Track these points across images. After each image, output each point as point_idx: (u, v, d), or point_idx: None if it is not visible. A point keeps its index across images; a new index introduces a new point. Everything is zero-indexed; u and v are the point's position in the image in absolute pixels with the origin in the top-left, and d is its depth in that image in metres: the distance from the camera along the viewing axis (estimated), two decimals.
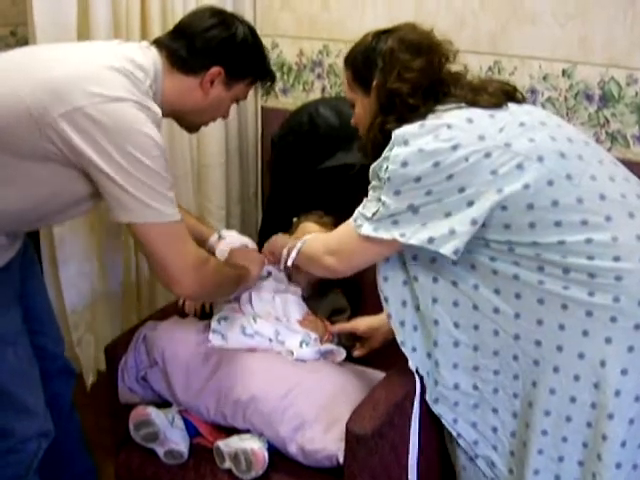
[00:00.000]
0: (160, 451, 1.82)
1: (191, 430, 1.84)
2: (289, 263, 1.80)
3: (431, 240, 1.51)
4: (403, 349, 1.70)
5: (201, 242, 2.06)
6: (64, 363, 2.03)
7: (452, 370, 1.67)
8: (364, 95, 1.66)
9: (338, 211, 2.16)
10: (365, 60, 1.65)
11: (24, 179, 1.53)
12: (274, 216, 2.33)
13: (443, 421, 1.72)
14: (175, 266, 1.59)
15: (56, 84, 1.48)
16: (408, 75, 1.57)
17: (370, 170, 1.60)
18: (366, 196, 1.62)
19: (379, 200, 1.56)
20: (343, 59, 1.73)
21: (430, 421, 1.76)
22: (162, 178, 1.53)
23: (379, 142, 1.59)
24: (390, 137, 1.54)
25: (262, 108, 2.62)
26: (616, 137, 2.07)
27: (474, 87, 1.61)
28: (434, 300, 1.64)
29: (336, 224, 2.09)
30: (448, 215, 1.50)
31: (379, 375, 1.88)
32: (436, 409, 1.72)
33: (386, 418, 1.64)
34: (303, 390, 1.76)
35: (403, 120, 1.56)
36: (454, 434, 1.72)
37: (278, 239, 1.98)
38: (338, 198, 2.22)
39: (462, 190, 1.49)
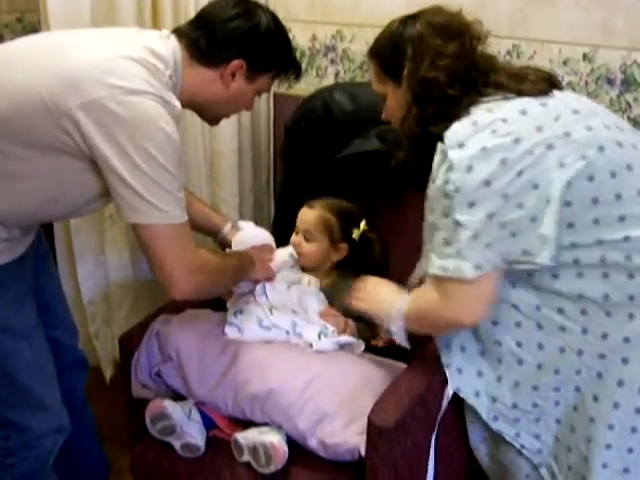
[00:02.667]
0: (177, 444, 1.78)
1: (208, 423, 1.81)
2: (401, 343, 1.67)
3: (525, 252, 1.40)
4: (447, 370, 1.64)
5: (214, 232, 2.03)
6: (77, 355, 2.00)
7: (513, 389, 1.60)
8: (395, 86, 1.58)
9: (355, 201, 2.14)
10: (393, 48, 1.56)
11: (39, 173, 1.49)
12: (288, 206, 2.28)
13: (505, 437, 1.64)
14: (174, 270, 1.55)
15: (73, 74, 1.44)
16: (442, 62, 1.48)
17: (429, 196, 1.48)
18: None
19: (456, 224, 1.41)
20: (367, 51, 1.65)
21: (454, 422, 1.74)
22: (173, 177, 1.49)
23: (416, 136, 1.52)
24: (427, 129, 1.47)
25: (274, 94, 2.57)
26: (638, 122, 2.02)
27: (514, 74, 1.53)
28: (494, 323, 1.57)
29: (345, 211, 2.10)
30: (534, 220, 1.39)
31: (399, 366, 1.84)
32: (495, 426, 1.64)
33: (409, 411, 1.61)
34: (323, 383, 1.72)
35: (444, 115, 1.47)
36: (517, 446, 1.64)
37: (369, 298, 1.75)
38: (355, 187, 2.19)
39: (536, 187, 1.38)
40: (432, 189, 1.48)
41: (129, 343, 1.90)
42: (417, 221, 2.08)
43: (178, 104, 1.53)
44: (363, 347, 1.92)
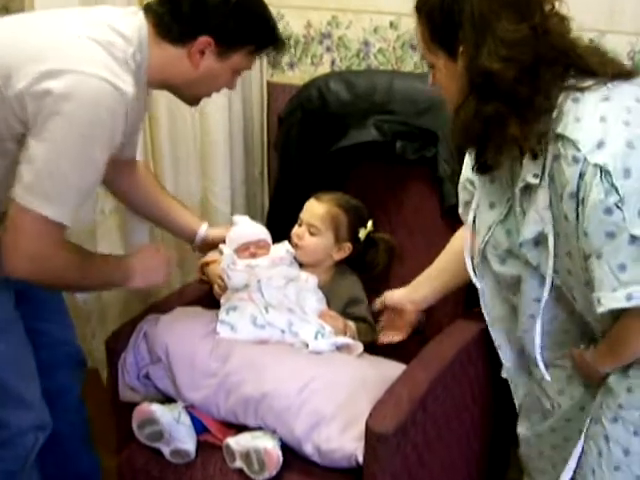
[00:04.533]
0: (166, 450, 1.70)
1: (198, 427, 1.73)
2: None
3: None
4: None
5: (189, 236, 1.97)
6: (72, 350, 1.92)
7: None
8: (448, 59, 1.34)
9: (352, 194, 2.06)
10: (445, 18, 1.30)
11: None
12: (283, 199, 2.20)
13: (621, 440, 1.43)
14: (19, 251, 1.44)
15: (26, 54, 1.41)
16: (508, 52, 1.24)
17: (567, 223, 1.30)
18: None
19: (632, 240, 1.22)
20: (414, 4, 1.38)
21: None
22: (88, 172, 1.44)
23: (474, 129, 1.31)
24: (494, 129, 1.29)
25: (268, 83, 2.48)
26: None
27: (596, 53, 1.34)
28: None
29: (354, 208, 2.01)
30: None
31: (399, 367, 1.76)
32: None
33: (409, 415, 1.53)
34: (319, 385, 1.64)
35: (521, 118, 1.26)
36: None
37: None
38: (352, 179, 2.11)
39: None
40: (573, 212, 1.27)
41: (116, 344, 1.81)
42: (417, 215, 2.03)
43: (131, 90, 1.45)
44: (362, 349, 1.84)
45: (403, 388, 1.58)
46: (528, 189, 1.39)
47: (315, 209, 1.99)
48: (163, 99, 2.19)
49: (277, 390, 1.63)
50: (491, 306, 1.65)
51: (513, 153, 1.34)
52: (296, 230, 1.99)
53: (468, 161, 1.56)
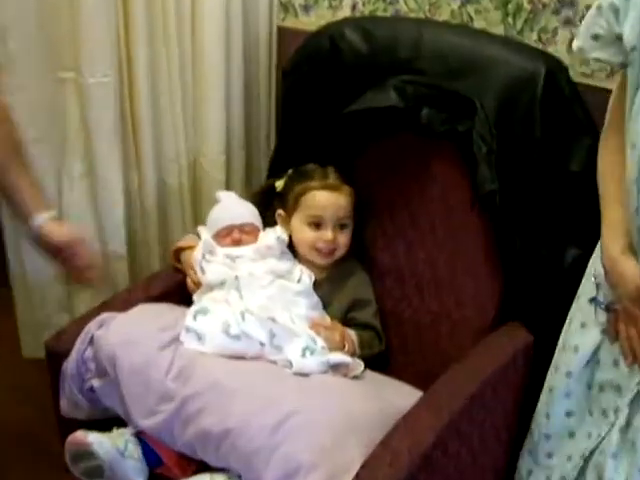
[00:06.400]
0: None
1: (152, 458, 1.40)
2: None
3: None
4: None
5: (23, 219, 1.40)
6: None
7: None
8: None
9: (362, 172, 1.68)
10: None
11: None
12: (281, 167, 1.81)
13: None
14: None
15: None
16: None
17: None
18: None
19: None
20: None
21: None
22: None
23: None
24: None
25: (278, 29, 2.09)
26: None
27: None
28: None
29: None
30: None
31: (411, 394, 1.42)
32: None
33: (407, 475, 1.17)
34: (299, 422, 1.27)
35: None
36: None
37: None
38: (364, 153, 1.72)
39: None
40: None
41: (57, 346, 1.47)
42: (442, 203, 1.64)
43: None
44: (362, 368, 1.48)
45: (403, 439, 1.21)
46: None
47: (336, 201, 1.64)
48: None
49: (244, 427, 1.28)
50: None
51: None
52: (328, 236, 1.63)
53: None
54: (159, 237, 1.98)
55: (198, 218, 2.00)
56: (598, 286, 1.31)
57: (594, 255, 1.35)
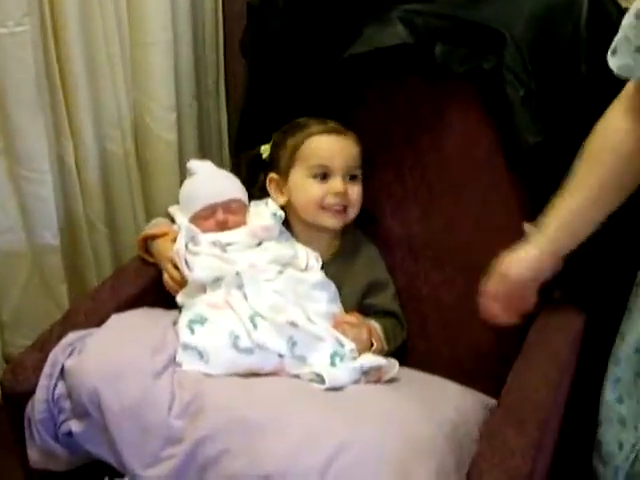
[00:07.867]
0: None
1: None
2: None
3: None
4: None
5: None
6: None
7: None
8: None
9: (365, 127, 1.39)
10: None
11: None
12: (254, 125, 1.50)
13: None
14: None
15: None
16: None
17: None
18: None
19: None
20: None
21: None
22: None
23: None
24: None
25: None
26: None
27: None
28: None
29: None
30: None
31: (474, 397, 1.21)
32: None
33: None
34: (354, 458, 1.00)
35: None
36: None
37: None
38: (366, 103, 1.43)
39: None
40: None
41: (17, 388, 1.14)
42: (465, 161, 1.38)
43: None
44: (397, 368, 1.22)
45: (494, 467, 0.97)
46: None
47: (344, 146, 1.34)
48: None
49: (286, 472, 1.00)
50: None
51: None
52: (339, 186, 1.32)
53: None
54: (105, 218, 1.63)
55: (148, 191, 1.67)
56: None
57: None
